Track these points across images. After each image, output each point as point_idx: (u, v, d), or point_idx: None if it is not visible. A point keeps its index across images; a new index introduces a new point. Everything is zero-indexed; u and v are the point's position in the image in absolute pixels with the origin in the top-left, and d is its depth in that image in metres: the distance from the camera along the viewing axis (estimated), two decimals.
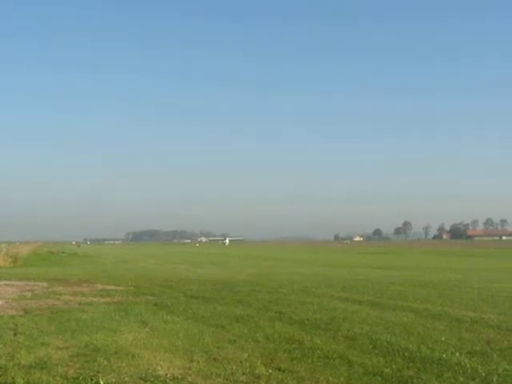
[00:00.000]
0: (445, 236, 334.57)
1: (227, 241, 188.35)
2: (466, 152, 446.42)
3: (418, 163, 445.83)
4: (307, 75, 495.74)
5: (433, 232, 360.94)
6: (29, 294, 19.88)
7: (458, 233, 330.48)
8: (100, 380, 8.66)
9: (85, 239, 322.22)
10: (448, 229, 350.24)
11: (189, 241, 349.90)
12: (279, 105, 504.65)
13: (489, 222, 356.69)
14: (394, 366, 9.45)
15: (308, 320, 14.13)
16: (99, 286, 23.21)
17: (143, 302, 17.90)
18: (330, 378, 8.83)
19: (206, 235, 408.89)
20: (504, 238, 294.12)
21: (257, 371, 9.22)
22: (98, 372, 9.07)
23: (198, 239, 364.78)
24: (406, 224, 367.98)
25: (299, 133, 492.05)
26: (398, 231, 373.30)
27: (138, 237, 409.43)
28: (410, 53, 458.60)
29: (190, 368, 9.40)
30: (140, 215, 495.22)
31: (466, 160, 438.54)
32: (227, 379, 8.83)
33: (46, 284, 24.16)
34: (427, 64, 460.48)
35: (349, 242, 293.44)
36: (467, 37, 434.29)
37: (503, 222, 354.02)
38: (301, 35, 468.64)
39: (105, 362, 9.67)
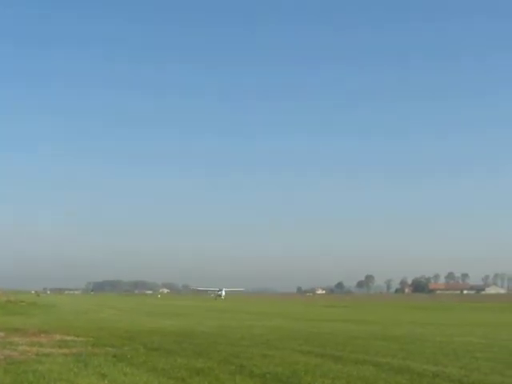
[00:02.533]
0: (407, 290, 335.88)
1: (223, 292, 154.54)
2: (428, 205, 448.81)
3: (381, 216, 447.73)
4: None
5: (395, 285, 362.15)
6: None
7: (419, 286, 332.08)
8: None
9: (44, 288, 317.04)
10: (410, 282, 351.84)
11: (150, 292, 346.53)
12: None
13: (450, 276, 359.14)
14: None
15: (269, 373, 13.98)
16: (58, 337, 22.79)
17: (103, 353, 17.58)
18: None
19: (168, 286, 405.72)
20: (465, 292, 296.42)
21: None
22: None
23: (160, 290, 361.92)
24: (369, 277, 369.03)
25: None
26: (360, 284, 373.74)
27: (99, 287, 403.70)
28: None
29: None
30: (101, 265, 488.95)
31: (428, 214, 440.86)
32: None
33: (2, 334, 23.67)
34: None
35: (311, 294, 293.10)
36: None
37: (464, 276, 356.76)
38: None
39: None
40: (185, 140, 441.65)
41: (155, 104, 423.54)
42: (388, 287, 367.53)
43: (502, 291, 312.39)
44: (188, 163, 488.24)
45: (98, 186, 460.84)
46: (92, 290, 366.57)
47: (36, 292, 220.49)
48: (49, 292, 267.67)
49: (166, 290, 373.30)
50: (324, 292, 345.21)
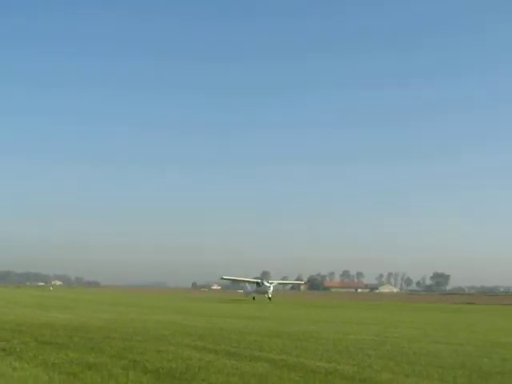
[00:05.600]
0: (302, 287, 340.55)
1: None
2: (325, 203, 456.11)
3: (276, 212, 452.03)
4: None
5: None
6: None
7: (315, 284, 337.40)
8: None
9: None
10: (305, 280, 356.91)
11: (43, 284, 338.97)
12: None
13: (345, 274, 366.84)
14: None
15: (163, 369, 13.82)
16: None
17: None
18: None
19: (61, 278, 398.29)
20: (359, 290, 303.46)
21: None
22: None
23: (52, 282, 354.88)
24: (265, 274, 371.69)
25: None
26: None
27: None
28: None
29: None
30: None
31: (324, 214, 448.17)
32: None
33: None
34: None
35: (207, 290, 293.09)
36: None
37: (359, 274, 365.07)
38: None
39: None
40: None
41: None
42: (283, 284, 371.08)
43: (395, 290, 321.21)
44: None
45: None
46: None
47: None
48: None
49: (58, 282, 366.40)
50: (220, 288, 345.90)
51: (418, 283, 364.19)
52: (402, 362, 16.35)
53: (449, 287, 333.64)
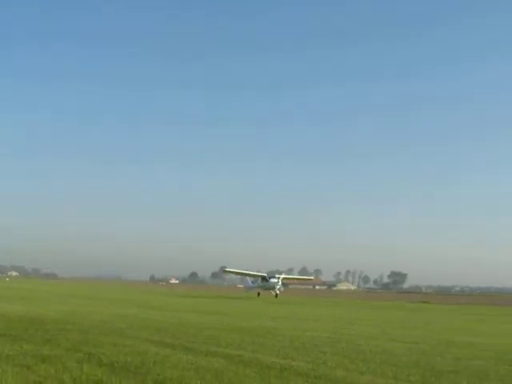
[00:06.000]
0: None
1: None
2: (287, 199, 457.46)
3: (228, 205, 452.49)
4: None
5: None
6: None
7: None
8: None
9: None
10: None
11: None
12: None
13: (304, 270, 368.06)
14: None
15: (118, 363, 13.74)
16: None
17: None
18: None
19: (17, 269, 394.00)
20: (317, 287, 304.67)
21: None
22: None
23: (8, 273, 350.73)
24: (223, 269, 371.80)
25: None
26: (214, 275, 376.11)
27: None
28: None
29: None
30: None
31: (287, 210, 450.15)
32: None
33: None
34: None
35: (165, 283, 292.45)
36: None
37: (317, 271, 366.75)
38: None
39: None
40: None
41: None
42: (242, 279, 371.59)
43: (353, 288, 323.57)
44: None
45: None
46: None
47: None
48: None
49: (14, 273, 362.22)
50: (178, 282, 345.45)
51: (375, 281, 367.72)
52: (357, 360, 16.46)
53: (406, 286, 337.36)
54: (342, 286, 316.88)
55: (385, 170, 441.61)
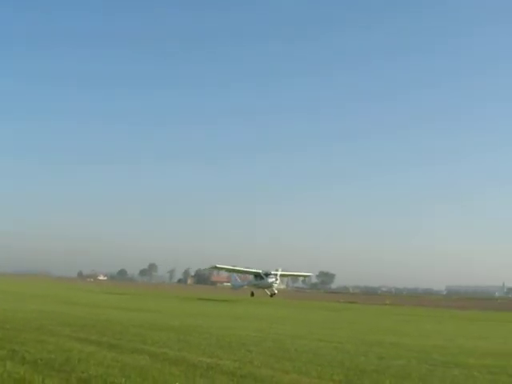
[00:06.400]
0: (189, 280, 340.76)
1: None
2: (213, 197, 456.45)
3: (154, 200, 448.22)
4: None
5: (178, 276, 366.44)
6: None
7: (202, 278, 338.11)
8: None
9: None
10: (193, 274, 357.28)
11: None
12: None
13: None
14: None
15: (41, 360, 13.55)
16: None
17: None
18: None
19: None
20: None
21: None
22: None
23: None
24: (152, 266, 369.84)
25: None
26: (143, 273, 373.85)
27: None
28: None
29: None
30: None
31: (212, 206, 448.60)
32: None
33: None
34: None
35: (92, 280, 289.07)
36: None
37: None
38: None
39: None
40: None
41: None
42: (171, 277, 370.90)
43: (282, 286, 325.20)
44: None
45: None
46: None
47: None
48: None
49: None
50: (106, 278, 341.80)
51: (304, 281, 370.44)
52: (283, 359, 16.58)
53: (334, 286, 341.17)
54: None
55: (302, 169, 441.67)
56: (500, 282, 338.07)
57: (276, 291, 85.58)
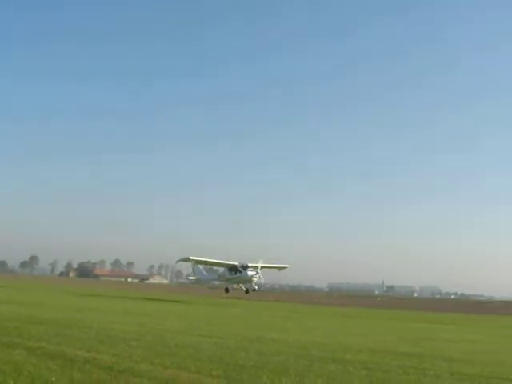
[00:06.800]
0: (71, 273, 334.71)
1: None
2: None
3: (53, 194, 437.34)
4: None
5: (60, 268, 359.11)
6: None
7: (85, 271, 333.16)
8: None
9: None
10: (75, 266, 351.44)
11: None
12: None
13: (116, 263, 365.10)
14: None
15: None
16: None
17: None
18: None
19: None
20: (129, 279, 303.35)
21: None
22: None
23: None
24: (33, 258, 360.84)
25: None
26: (23, 265, 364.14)
27: None
28: None
29: None
30: None
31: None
32: None
33: None
34: None
35: None
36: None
37: (130, 264, 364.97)
38: None
39: None
40: None
41: None
42: (53, 270, 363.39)
43: (166, 281, 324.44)
44: None
45: None
46: None
47: None
48: None
49: None
50: None
51: (187, 276, 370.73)
52: (163, 354, 16.56)
53: None
54: (155, 280, 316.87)
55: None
56: (380, 280, 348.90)
57: (256, 287, 79.16)
